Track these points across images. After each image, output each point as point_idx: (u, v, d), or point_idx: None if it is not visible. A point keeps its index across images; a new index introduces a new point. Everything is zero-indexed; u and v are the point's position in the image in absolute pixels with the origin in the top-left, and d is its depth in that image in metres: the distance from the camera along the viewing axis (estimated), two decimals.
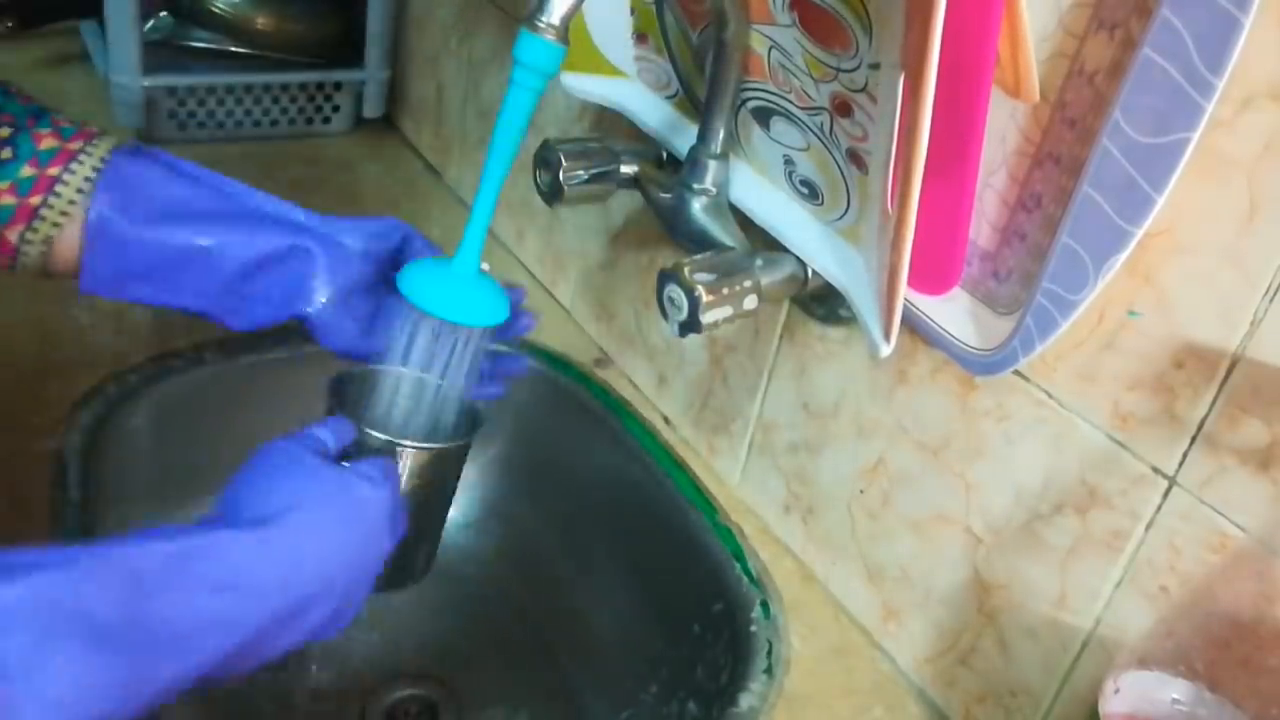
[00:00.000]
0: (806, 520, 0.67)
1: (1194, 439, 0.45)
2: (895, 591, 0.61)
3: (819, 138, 0.54)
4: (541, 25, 0.49)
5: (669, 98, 0.66)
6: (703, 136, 0.59)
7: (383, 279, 0.58)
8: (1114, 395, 0.48)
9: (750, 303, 0.55)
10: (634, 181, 0.65)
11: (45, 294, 0.78)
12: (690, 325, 0.53)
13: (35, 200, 0.50)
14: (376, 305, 0.58)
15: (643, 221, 0.78)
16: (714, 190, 0.59)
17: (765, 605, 0.64)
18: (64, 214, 0.51)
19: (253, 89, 1.06)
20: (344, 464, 0.48)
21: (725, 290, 0.54)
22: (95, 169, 0.52)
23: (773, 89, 0.55)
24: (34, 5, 1.10)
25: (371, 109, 1.13)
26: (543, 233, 0.90)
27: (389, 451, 0.51)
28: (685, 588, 0.70)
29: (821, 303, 0.62)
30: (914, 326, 0.53)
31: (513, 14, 0.90)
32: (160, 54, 1.02)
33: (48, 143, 0.51)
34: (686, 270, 0.53)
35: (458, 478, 0.57)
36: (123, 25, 0.96)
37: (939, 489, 0.57)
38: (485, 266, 0.54)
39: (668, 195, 0.61)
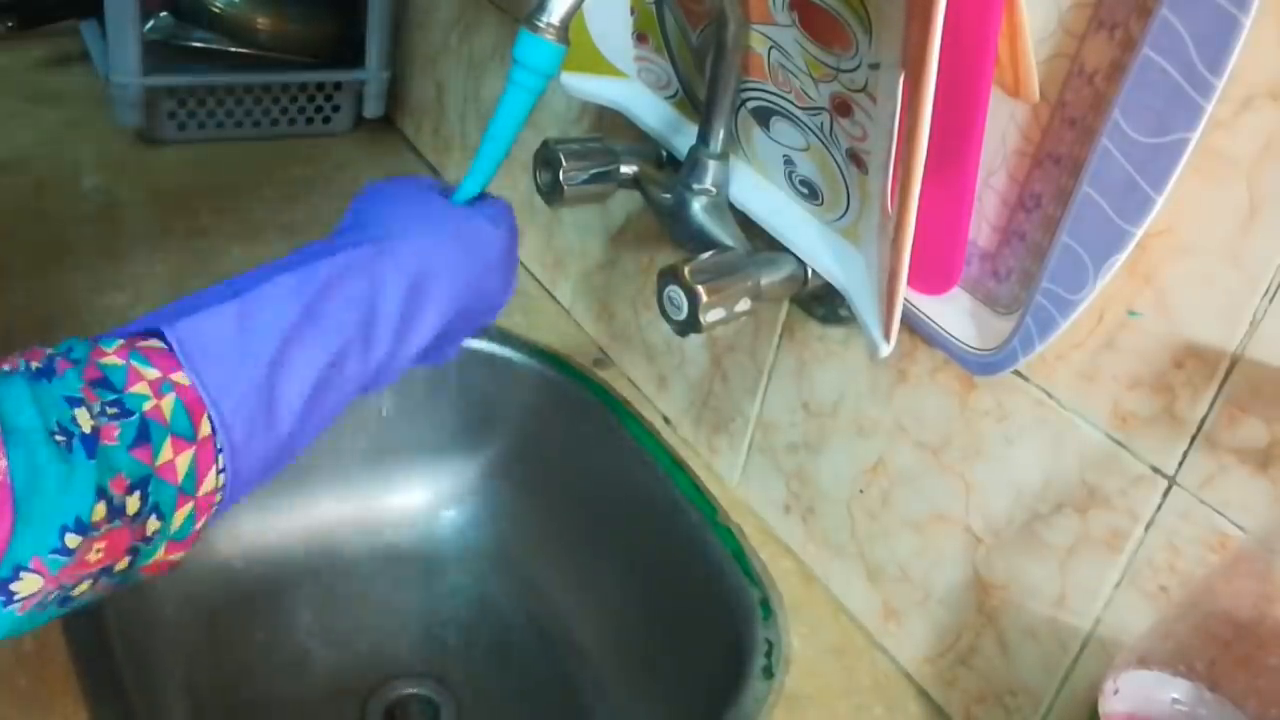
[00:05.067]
0: (806, 520, 0.67)
1: (1194, 439, 0.45)
2: (895, 591, 0.61)
3: (819, 138, 0.54)
4: (541, 25, 0.49)
5: (669, 98, 0.66)
6: (703, 136, 0.59)
7: None
8: (1114, 395, 0.48)
9: (750, 303, 0.55)
10: (634, 181, 0.65)
11: (47, 292, 0.78)
12: (690, 325, 0.53)
13: (199, 527, 0.42)
14: None
15: (643, 221, 0.78)
16: (714, 190, 0.59)
17: (765, 605, 0.64)
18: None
19: (253, 89, 1.06)
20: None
21: (725, 290, 0.54)
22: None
23: (773, 89, 0.55)
24: (34, 5, 1.10)
25: (371, 109, 1.13)
26: (543, 233, 0.90)
27: None
28: (685, 588, 0.70)
29: (821, 303, 0.62)
30: (914, 326, 0.53)
31: (513, 14, 0.90)
32: (160, 54, 1.01)
33: (181, 463, 0.40)
34: (686, 270, 0.53)
35: None
36: (123, 25, 0.96)
37: (939, 489, 0.57)
38: None
39: (668, 195, 0.61)
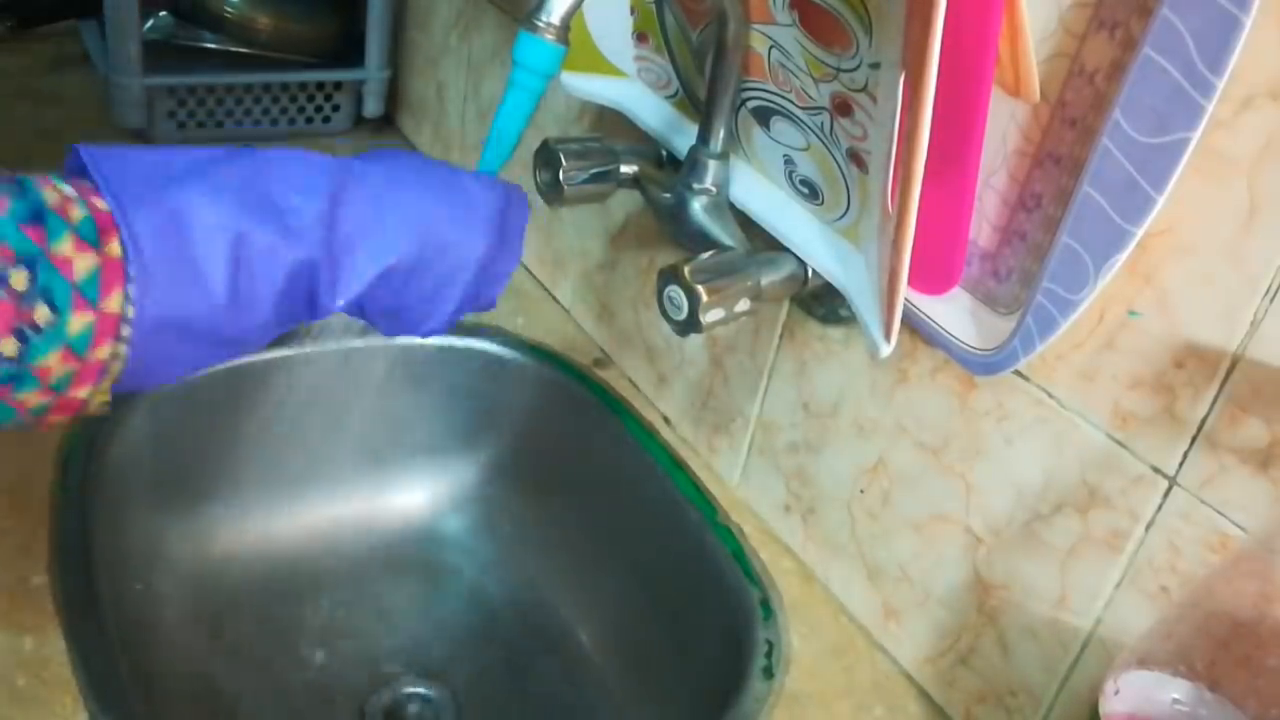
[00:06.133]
0: (806, 520, 0.67)
1: (1194, 439, 0.45)
2: (895, 591, 0.61)
3: (819, 137, 0.54)
4: (541, 25, 0.49)
5: (669, 98, 0.66)
6: (703, 136, 0.59)
7: None
8: (1114, 395, 0.48)
9: (750, 303, 0.55)
10: (634, 181, 0.65)
11: None
12: (690, 325, 0.53)
13: (103, 353, 0.39)
14: None
15: (643, 221, 0.78)
16: (714, 190, 0.59)
17: (765, 605, 0.64)
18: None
19: (253, 89, 1.06)
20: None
21: (725, 290, 0.54)
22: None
23: (773, 89, 0.55)
24: (34, 5, 1.10)
25: (371, 109, 1.13)
26: (543, 233, 0.90)
27: None
28: (685, 587, 0.70)
29: (821, 302, 0.62)
30: (914, 326, 0.53)
31: (513, 14, 0.90)
32: (160, 54, 1.01)
33: (81, 264, 0.38)
34: (686, 270, 0.53)
35: None
36: (123, 25, 0.95)
37: (939, 489, 0.57)
38: None
39: (668, 195, 0.61)
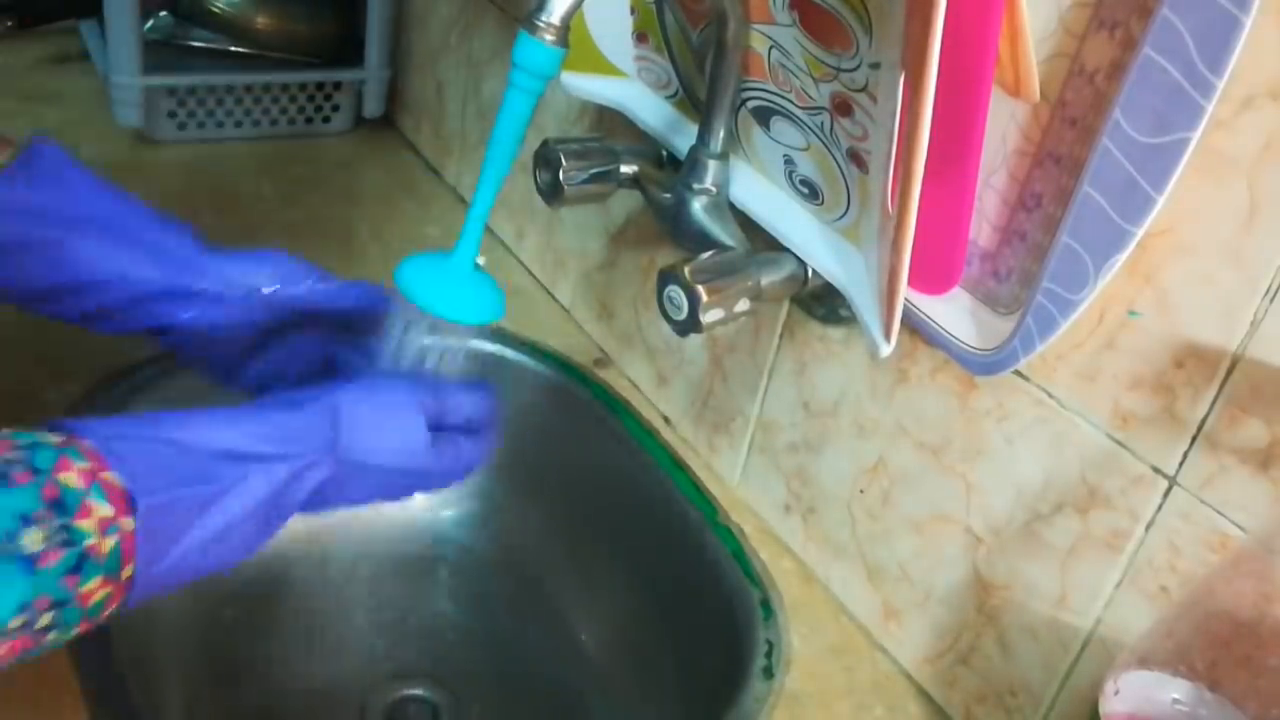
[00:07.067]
0: (806, 520, 0.67)
1: (1194, 439, 0.45)
2: (895, 591, 0.61)
3: (819, 137, 0.54)
4: (541, 25, 0.49)
5: (669, 98, 0.66)
6: (703, 136, 0.59)
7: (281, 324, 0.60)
8: (1114, 395, 0.48)
9: (750, 303, 0.55)
10: (634, 181, 0.65)
11: None
12: (690, 325, 0.53)
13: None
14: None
15: (643, 221, 0.78)
16: (714, 190, 0.59)
17: (765, 605, 0.64)
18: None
19: (253, 89, 1.06)
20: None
21: (725, 290, 0.54)
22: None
23: (773, 89, 0.55)
24: (34, 5, 1.10)
25: (371, 109, 1.13)
26: (543, 233, 0.90)
27: None
28: (685, 588, 0.70)
29: (821, 302, 0.62)
30: (914, 326, 0.53)
31: (513, 13, 0.90)
32: (160, 54, 1.01)
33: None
34: (686, 270, 0.53)
35: None
36: (122, 25, 0.95)
37: (939, 489, 0.57)
38: (482, 260, 0.54)
39: (668, 195, 0.61)
